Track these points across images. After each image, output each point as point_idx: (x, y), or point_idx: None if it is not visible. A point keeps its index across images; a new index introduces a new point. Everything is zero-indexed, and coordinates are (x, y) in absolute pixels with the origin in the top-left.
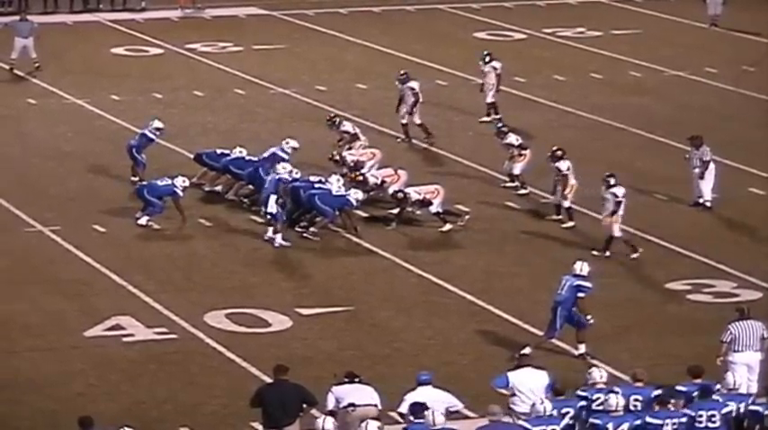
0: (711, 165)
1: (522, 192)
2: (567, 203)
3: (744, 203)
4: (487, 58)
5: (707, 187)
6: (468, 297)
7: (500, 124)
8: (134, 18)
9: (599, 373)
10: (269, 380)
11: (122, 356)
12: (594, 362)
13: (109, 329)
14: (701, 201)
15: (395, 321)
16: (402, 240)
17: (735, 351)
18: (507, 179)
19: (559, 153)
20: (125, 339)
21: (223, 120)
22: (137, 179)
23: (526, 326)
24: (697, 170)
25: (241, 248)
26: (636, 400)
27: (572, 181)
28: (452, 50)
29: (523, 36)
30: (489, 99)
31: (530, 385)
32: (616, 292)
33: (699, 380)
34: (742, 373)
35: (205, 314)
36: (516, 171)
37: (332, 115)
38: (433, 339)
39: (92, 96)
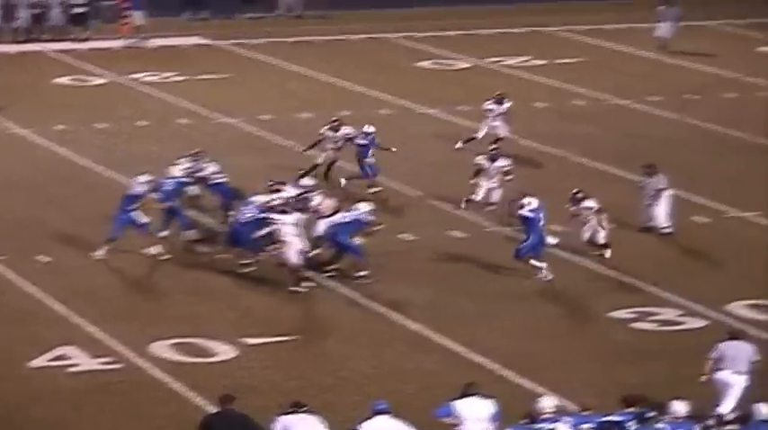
0: (667, 192)
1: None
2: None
3: (688, 231)
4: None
5: (662, 214)
6: (414, 325)
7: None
8: (77, 48)
9: (548, 402)
10: (215, 409)
11: (67, 386)
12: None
13: (54, 359)
14: (650, 225)
15: (340, 350)
16: (346, 269)
17: (719, 369)
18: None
19: (580, 195)
20: (70, 369)
21: (167, 150)
22: None
23: (471, 356)
24: (650, 199)
25: (186, 278)
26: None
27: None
28: (396, 79)
29: (467, 65)
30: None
31: (475, 414)
32: (562, 321)
33: (632, 409)
34: (724, 392)
35: (150, 344)
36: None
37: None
38: (379, 368)
39: (36, 126)
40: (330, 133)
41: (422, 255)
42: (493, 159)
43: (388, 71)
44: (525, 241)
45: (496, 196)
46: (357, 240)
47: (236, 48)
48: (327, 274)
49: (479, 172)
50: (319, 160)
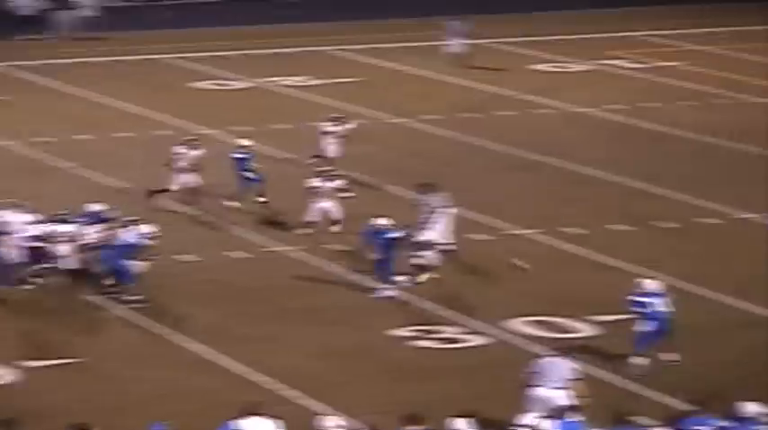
0: (447, 211)
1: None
2: None
3: (467, 248)
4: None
5: (441, 232)
6: (196, 346)
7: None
8: None
9: (330, 422)
10: None
11: None
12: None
13: None
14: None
15: (123, 372)
16: (123, 292)
17: (535, 385)
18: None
19: None
20: None
21: None
22: None
23: (254, 376)
24: (426, 217)
25: None
26: None
27: None
28: (172, 100)
29: (246, 85)
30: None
31: None
32: (345, 340)
33: (414, 427)
34: (538, 408)
35: None
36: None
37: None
38: (162, 389)
39: None
40: (184, 151)
41: (203, 276)
42: (327, 180)
43: (165, 91)
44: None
45: (337, 214)
46: (135, 263)
47: (11, 70)
48: (108, 295)
49: (313, 193)
50: (174, 186)
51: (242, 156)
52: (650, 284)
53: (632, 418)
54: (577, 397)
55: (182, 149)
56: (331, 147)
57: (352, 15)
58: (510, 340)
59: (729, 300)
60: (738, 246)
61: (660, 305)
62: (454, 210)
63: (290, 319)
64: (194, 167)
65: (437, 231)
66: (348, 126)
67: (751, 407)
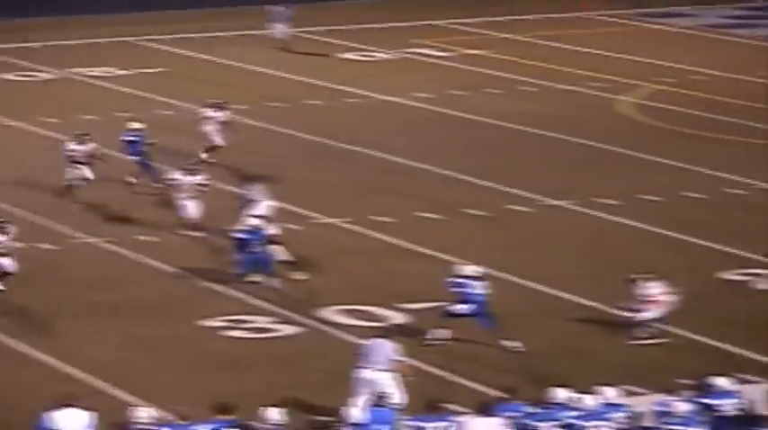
0: (264, 202)
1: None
2: None
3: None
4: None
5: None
6: (7, 340)
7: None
8: None
9: (142, 413)
10: None
11: None
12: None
13: None
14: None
15: None
16: None
17: (361, 367)
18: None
19: None
20: None
21: None
22: None
23: (67, 368)
24: (246, 208)
25: None
26: None
27: None
28: None
29: (52, 76)
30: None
31: (71, 426)
32: (156, 331)
33: (224, 417)
34: (364, 390)
35: None
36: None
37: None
38: None
39: None
40: (75, 146)
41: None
42: (190, 174)
43: None
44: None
45: (193, 211)
46: None
47: None
48: None
49: (174, 187)
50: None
51: (133, 139)
52: (468, 268)
53: (444, 405)
54: (402, 378)
55: (72, 145)
56: (216, 135)
57: (160, 5)
58: (321, 329)
59: (540, 287)
60: (548, 233)
61: (478, 288)
62: (272, 202)
63: (101, 311)
64: (88, 161)
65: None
66: (228, 112)
67: (561, 393)
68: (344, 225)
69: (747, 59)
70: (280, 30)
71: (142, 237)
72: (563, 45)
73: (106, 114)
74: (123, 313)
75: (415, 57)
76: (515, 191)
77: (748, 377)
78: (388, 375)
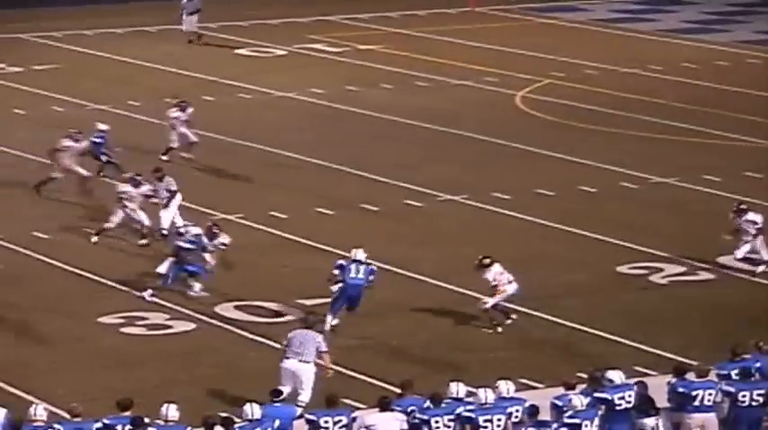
0: (179, 196)
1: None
2: None
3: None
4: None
5: (169, 217)
6: None
7: None
8: None
9: (39, 410)
10: None
11: None
12: None
13: None
14: (164, 232)
15: None
16: None
17: (287, 357)
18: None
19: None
20: None
21: None
22: None
23: None
24: (165, 201)
25: None
26: None
27: None
28: None
29: None
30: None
31: None
32: (53, 327)
33: (128, 413)
34: (287, 380)
35: None
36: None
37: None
38: None
39: None
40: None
41: None
42: (136, 185)
43: None
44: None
45: (143, 219)
46: None
47: None
48: None
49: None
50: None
51: (99, 141)
52: (357, 252)
53: (342, 400)
54: (325, 368)
55: (68, 143)
56: (185, 134)
57: (51, 2)
58: (217, 325)
59: (437, 282)
60: (444, 229)
61: (355, 271)
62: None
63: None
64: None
65: (167, 216)
66: (190, 110)
67: (456, 387)
68: (239, 220)
69: (640, 53)
70: (189, 21)
71: (39, 235)
72: (456, 40)
73: (0, 111)
74: (21, 310)
75: (309, 52)
76: (411, 186)
77: (644, 370)
78: (311, 367)
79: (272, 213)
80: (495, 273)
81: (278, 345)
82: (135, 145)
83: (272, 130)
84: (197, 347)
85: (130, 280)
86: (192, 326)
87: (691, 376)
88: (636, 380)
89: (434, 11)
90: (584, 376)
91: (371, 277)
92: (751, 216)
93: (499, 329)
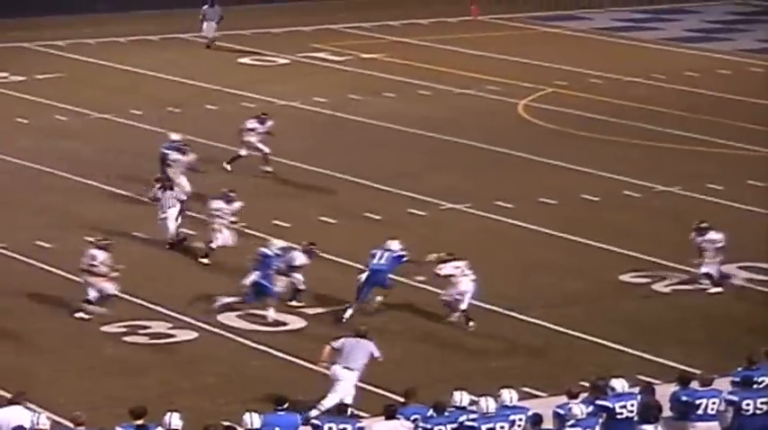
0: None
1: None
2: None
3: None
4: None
5: (173, 227)
6: None
7: None
8: None
9: (40, 419)
10: None
11: None
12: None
13: None
14: (171, 240)
15: None
16: None
17: (335, 363)
18: None
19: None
20: None
21: None
22: None
23: None
24: (163, 212)
25: None
26: None
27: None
28: None
29: None
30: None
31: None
32: (55, 336)
33: (140, 421)
34: (341, 388)
35: None
36: None
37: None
38: None
39: None
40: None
41: None
42: (228, 202)
43: None
44: None
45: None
46: None
47: None
48: None
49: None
50: None
51: (167, 151)
52: (392, 243)
53: (347, 408)
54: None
55: (174, 155)
56: (260, 144)
57: (55, 10)
58: (220, 334)
59: (439, 290)
60: (448, 237)
61: (378, 258)
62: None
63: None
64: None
65: (171, 226)
66: (270, 123)
67: (460, 396)
68: (243, 230)
69: (642, 62)
70: (209, 28)
71: (41, 243)
72: (459, 49)
73: (2, 120)
74: (22, 317)
75: (312, 61)
76: (415, 195)
77: (647, 379)
78: (352, 375)
79: (276, 222)
80: (452, 267)
81: (280, 354)
82: (138, 153)
83: (275, 139)
84: (199, 356)
85: (133, 289)
86: (194, 334)
87: (694, 385)
88: (643, 385)
89: (436, 19)
90: (587, 384)
91: (400, 262)
92: (711, 235)
93: (471, 324)
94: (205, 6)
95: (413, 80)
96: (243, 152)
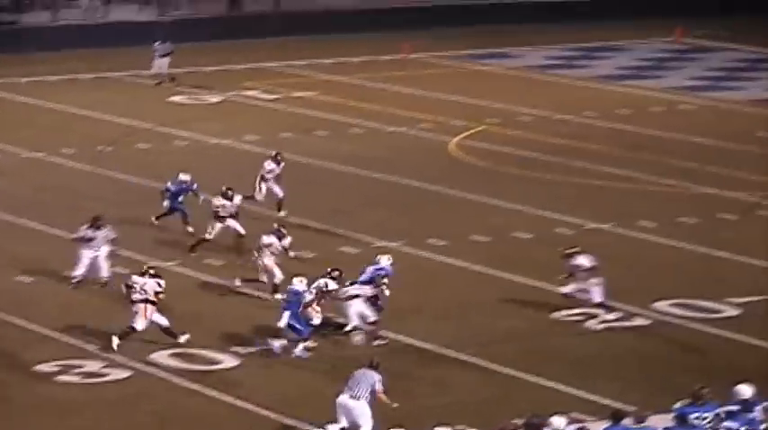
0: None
1: None
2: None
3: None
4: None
5: (104, 266)
6: None
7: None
8: None
9: None
10: None
11: None
12: None
13: None
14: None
15: None
16: None
17: (342, 393)
18: None
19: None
20: None
21: None
22: None
23: None
24: (95, 251)
25: None
26: None
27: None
28: None
29: None
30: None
31: None
32: None
33: None
34: (340, 415)
35: None
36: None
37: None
38: None
39: None
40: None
41: None
42: (280, 238)
43: None
44: None
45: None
46: None
47: None
48: None
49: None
50: None
51: (176, 190)
52: (381, 258)
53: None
54: (383, 405)
55: (221, 202)
56: (276, 187)
57: None
58: (153, 373)
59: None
60: None
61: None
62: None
63: None
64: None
65: (103, 265)
66: (283, 164)
67: None
68: (176, 268)
69: (574, 99)
70: (161, 64)
71: None
72: (390, 87)
73: None
74: None
75: (244, 99)
76: (347, 233)
77: (581, 416)
78: (361, 403)
79: (208, 261)
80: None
81: (213, 393)
82: (71, 191)
83: (207, 178)
84: (132, 395)
85: (68, 328)
86: (127, 373)
87: (628, 422)
88: (578, 427)
89: (367, 57)
90: (519, 423)
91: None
92: (579, 260)
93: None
94: (156, 43)
95: (345, 118)
96: (259, 197)
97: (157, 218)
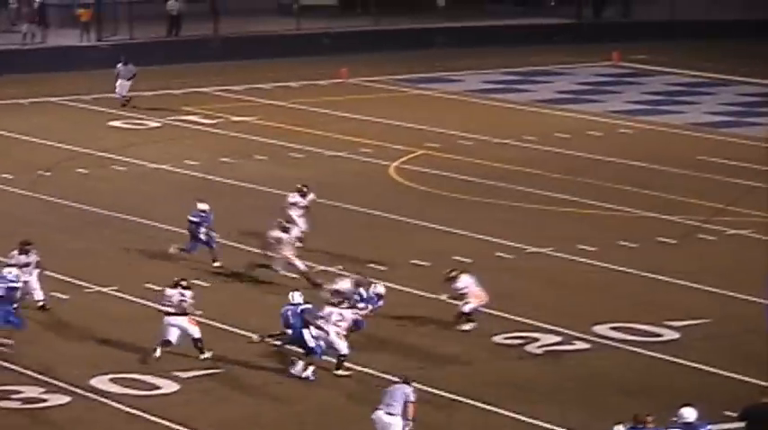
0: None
1: None
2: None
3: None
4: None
5: (37, 289)
6: None
7: None
8: None
9: None
10: None
11: None
12: None
13: None
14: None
15: None
16: None
17: (377, 408)
18: None
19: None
20: None
21: None
22: None
23: None
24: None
25: None
26: None
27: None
28: None
29: None
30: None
31: None
32: None
33: None
34: None
35: None
36: None
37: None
38: None
39: None
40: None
41: None
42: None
43: None
44: None
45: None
46: None
47: None
48: None
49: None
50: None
51: (198, 220)
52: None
53: None
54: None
55: (276, 234)
56: (301, 220)
57: None
58: (93, 398)
59: None
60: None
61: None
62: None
63: None
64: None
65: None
66: (311, 197)
67: None
68: (114, 293)
69: (514, 123)
70: (123, 86)
71: None
72: (330, 111)
73: None
74: None
75: (183, 124)
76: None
77: None
78: (395, 419)
79: (148, 285)
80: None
81: (153, 418)
82: (8, 216)
83: (146, 203)
84: (72, 421)
85: (4, 354)
86: (67, 399)
87: None
88: None
89: (307, 82)
90: None
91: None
92: (461, 283)
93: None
94: (119, 65)
95: (284, 143)
96: (296, 231)
97: (181, 249)
